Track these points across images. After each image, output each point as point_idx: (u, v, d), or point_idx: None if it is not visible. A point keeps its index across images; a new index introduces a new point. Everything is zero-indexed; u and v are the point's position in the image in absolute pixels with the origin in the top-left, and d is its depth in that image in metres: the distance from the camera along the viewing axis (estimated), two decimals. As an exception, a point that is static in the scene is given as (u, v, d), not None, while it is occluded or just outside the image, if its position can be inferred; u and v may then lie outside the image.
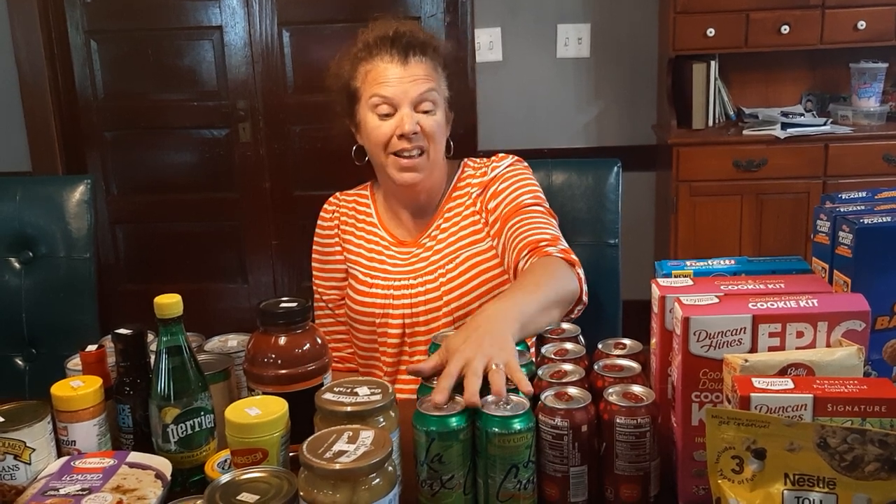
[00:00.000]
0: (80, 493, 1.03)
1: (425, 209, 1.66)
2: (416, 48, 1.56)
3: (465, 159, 1.71)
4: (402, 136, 1.53)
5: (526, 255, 1.45)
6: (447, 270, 1.59)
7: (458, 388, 1.05)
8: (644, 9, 3.46)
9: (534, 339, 1.39)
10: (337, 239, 1.71)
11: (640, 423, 1.00)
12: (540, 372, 1.10)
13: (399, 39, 1.55)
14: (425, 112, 1.55)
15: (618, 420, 1.00)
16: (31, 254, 1.88)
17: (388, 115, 1.54)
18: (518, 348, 1.16)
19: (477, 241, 1.61)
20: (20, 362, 1.89)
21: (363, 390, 1.04)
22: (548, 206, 1.59)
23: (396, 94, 1.53)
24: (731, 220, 3.18)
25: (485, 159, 1.68)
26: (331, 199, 1.75)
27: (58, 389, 1.14)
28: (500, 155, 1.66)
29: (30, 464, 1.09)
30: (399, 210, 1.67)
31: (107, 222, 3.76)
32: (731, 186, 3.15)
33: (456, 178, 1.67)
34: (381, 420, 1.01)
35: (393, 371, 1.62)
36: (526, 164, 1.67)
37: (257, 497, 0.88)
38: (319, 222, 1.74)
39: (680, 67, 3.31)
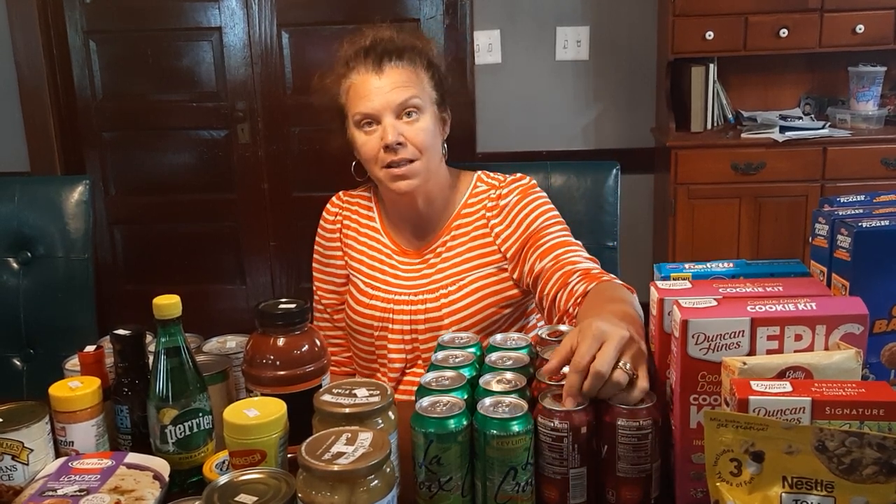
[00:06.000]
0: (78, 493, 1.03)
1: (428, 219, 1.62)
2: (392, 54, 1.52)
3: (479, 173, 1.66)
4: (387, 148, 1.49)
5: (578, 277, 1.39)
6: (449, 292, 1.57)
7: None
8: (643, 11, 3.46)
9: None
10: (339, 243, 1.69)
11: (643, 426, 1.00)
12: (539, 374, 1.10)
13: (374, 48, 1.52)
14: (409, 120, 1.51)
15: (620, 422, 1.00)
16: (29, 254, 1.87)
17: (372, 130, 1.51)
18: (523, 352, 1.16)
19: (484, 264, 1.58)
20: (18, 363, 1.89)
21: (362, 392, 1.04)
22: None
23: (376, 107, 1.50)
24: (729, 223, 3.19)
25: (499, 176, 1.64)
26: (333, 198, 1.72)
27: (56, 390, 1.14)
28: (518, 175, 1.62)
29: (28, 464, 1.09)
30: (400, 220, 1.65)
31: (105, 223, 3.77)
32: (729, 189, 3.16)
33: (468, 193, 1.63)
34: (380, 421, 1.01)
35: (395, 377, 1.61)
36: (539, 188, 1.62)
37: (255, 498, 0.88)
38: (322, 223, 1.71)
39: (679, 70, 3.32)
